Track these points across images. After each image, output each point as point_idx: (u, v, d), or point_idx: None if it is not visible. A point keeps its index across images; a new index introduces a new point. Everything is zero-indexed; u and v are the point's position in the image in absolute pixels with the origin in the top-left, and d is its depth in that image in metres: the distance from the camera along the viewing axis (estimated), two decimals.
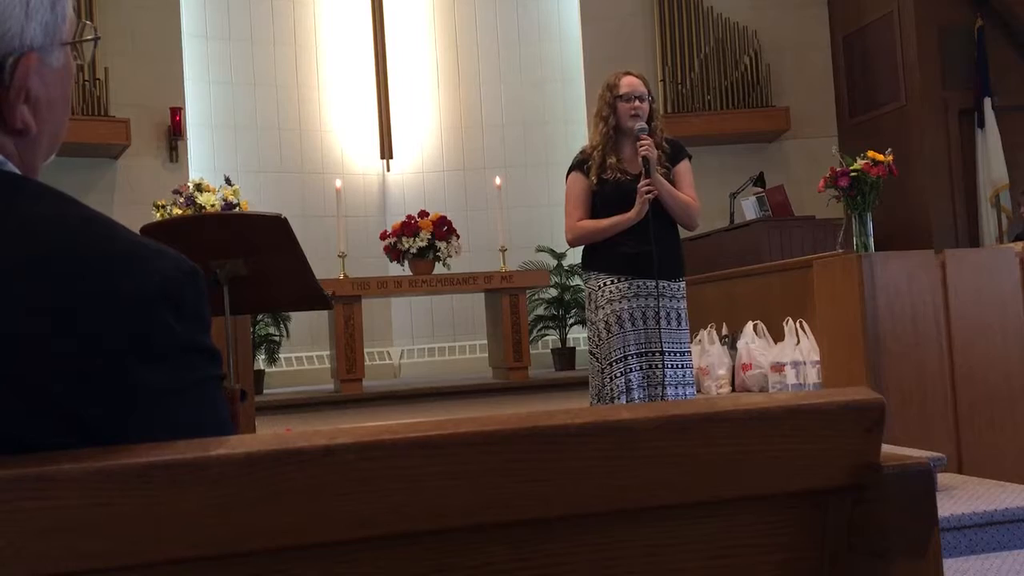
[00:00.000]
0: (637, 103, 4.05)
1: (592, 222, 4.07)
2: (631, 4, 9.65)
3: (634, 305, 3.99)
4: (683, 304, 4.08)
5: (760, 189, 8.16)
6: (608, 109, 4.09)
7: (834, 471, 0.82)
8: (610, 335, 3.97)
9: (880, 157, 5.07)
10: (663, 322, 3.97)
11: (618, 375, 3.94)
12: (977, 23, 8.83)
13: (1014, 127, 8.83)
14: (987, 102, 8.75)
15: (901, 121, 9.04)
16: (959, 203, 8.94)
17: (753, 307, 6.32)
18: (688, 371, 4.05)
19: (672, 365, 3.97)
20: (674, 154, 4.15)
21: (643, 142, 3.97)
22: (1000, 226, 8.64)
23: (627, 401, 3.89)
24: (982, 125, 8.78)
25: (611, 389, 3.95)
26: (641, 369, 3.96)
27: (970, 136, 8.91)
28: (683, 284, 4.11)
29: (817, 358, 5.53)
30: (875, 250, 5.02)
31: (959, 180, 8.95)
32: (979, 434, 4.73)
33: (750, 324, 6.16)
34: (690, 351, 4.15)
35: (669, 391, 3.94)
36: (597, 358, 4.03)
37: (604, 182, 4.04)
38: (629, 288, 3.99)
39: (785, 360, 5.76)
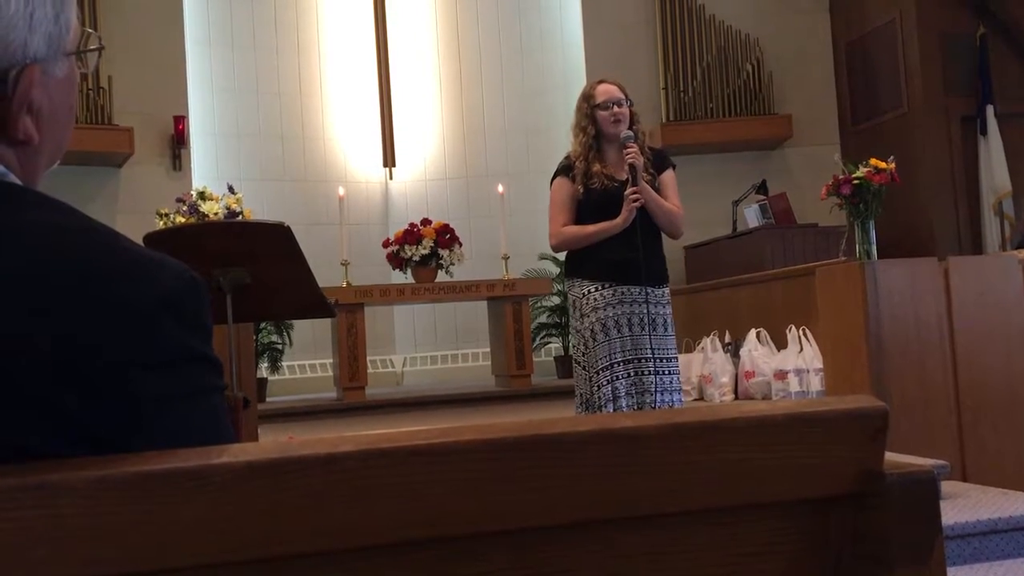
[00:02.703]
0: (616, 109, 4.05)
1: (578, 228, 4.05)
2: (634, 12, 9.66)
3: (619, 312, 3.96)
4: (668, 310, 4.06)
5: (763, 197, 8.17)
6: (587, 120, 4.09)
7: (837, 479, 0.81)
8: (596, 343, 3.95)
9: (883, 164, 5.07)
10: (649, 328, 3.96)
11: (605, 383, 3.91)
12: (979, 30, 8.83)
13: (1017, 134, 8.82)
14: (989, 109, 8.74)
15: (903, 128, 9.03)
16: (962, 210, 8.92)
17: (756, 315, 6.32)
18: (675, 377, 4.03)
19: (660, 371, 3.96)
20: (659, 163, 4.15)
21: (629, 149, 3.96)
22: (1003, 233, 8.62)
23: (614, 409, 3.87)
24: (984, 132, 8.77)
25: (598, 397, 3.92)
26: (628, 376, 3.93)
27: (973, 143, 8.90)
28: (667, 290, 4.11)
29: (820, 366, 5.52)
30: (878, 257, 5.02)
31: (962, 187, 8.93)
32: (983, 442, 4.72)
33: (753, 332, 6.15)
34: (677, 357, 4.13)
35: (657, 397, 3.92)
36: (583, 366, 4.01)
37: (590, 189, 4.04)
38: (613, 295, 3.97)
39: (788, 368, 5.76)
